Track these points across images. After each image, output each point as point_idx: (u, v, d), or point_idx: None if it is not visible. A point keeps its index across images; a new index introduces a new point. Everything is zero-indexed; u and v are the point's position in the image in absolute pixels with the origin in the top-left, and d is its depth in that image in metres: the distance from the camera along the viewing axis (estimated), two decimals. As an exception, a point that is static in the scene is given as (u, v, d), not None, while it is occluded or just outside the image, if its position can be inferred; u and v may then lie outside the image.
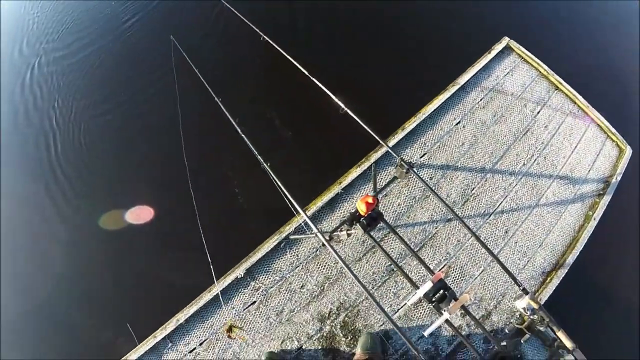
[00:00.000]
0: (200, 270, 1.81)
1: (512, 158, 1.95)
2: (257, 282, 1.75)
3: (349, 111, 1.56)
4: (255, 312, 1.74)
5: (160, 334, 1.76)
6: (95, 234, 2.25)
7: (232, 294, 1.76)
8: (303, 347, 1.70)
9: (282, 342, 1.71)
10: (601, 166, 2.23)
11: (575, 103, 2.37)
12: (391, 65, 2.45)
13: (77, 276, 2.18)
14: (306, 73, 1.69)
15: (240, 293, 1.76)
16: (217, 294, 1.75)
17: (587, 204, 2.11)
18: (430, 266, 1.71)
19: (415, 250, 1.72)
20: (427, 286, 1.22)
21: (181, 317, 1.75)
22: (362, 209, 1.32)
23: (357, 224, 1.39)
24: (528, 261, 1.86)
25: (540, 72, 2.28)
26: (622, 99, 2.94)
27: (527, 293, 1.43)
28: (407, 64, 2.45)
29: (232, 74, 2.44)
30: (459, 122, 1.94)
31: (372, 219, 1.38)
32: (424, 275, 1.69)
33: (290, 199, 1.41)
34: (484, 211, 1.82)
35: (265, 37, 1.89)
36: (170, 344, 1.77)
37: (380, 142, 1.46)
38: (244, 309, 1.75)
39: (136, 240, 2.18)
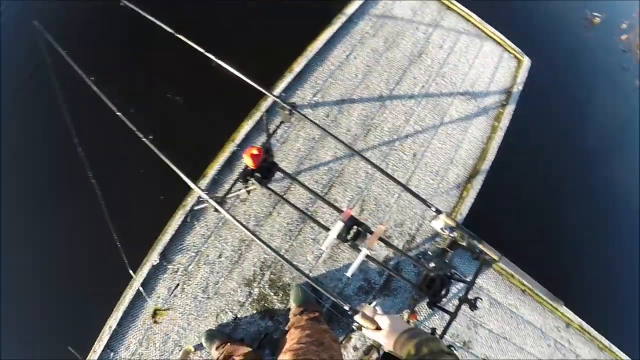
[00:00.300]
0: (116, 269, 1.68)
1: (409, 82, 1.95)
2: (174, 263, 1.65)
3: (222, 63, 1.44)
4: (181, 295, 1.64)
5: (98, 346, 1.63)
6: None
7: (154, 283, 1.65)
8: (238, 316, 1.64)
9: (216, 317, 1.64)
10: (501, 78, 2.30)
11: (469, 21, 2.40)
12: (268, 5, 2.26)
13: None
14: (170, 31, 1.54)
15: (161, 279, 1.65)
16: (139, 288, 1.64)
17: (492, 116, 2.18)
18: (343, 204, 1.69)
19: (325, 191, 1.69)
20: (338, 227, 1.16)
21: (112, 322, 1.62)
22: (250, 162, 1.22)
23: (252, 179, 1.31)
24: (441, 180, 1.90)
25: (428, -6, 2.27)
26: (514, 13, 3.06)
27: (440, 213, 1.45)
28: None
29: (100, 50, 2.19)
30: (349, 54, 1.89)
31: (266, 171, 1.30)
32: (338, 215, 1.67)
33: (178, 171, 1.29)
34: (389, 139, 1.81)
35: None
36: (112, 354, 1.65)
37: (258, 88, 1.36)
38: (170, 295, 1.65)
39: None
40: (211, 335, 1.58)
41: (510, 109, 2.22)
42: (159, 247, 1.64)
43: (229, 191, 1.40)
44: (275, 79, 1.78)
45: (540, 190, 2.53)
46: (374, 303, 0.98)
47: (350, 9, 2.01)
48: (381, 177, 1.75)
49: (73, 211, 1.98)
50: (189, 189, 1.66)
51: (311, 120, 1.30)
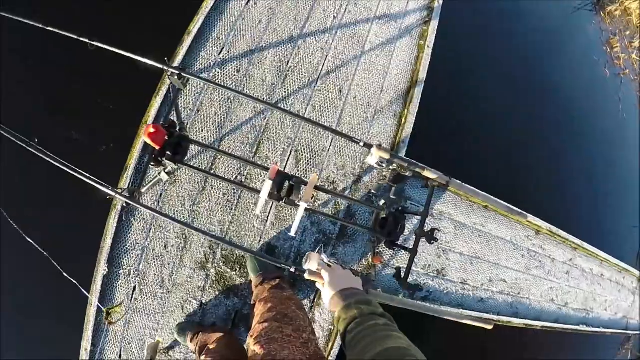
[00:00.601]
0: (73, 291, 1.56)
1: (319, 16, 1.81)
2: (124, 267, 1.54)
3: (96, 44, 1.26)
4: (141, 296, 1.56)
5: None
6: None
7: (111, 293, 1.55)
8: (203, 301, 1.58)
9: (182, 309, 1.58)
10: (419, -7, 2.19)
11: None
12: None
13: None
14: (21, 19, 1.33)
15: (117, 287, 1.56)
16: (96, 305, 1.53)
17: (416, 35, 2.08)
18: (276, 159, 1.60)
19: (253, 150, 1.58)
20: (267, 187, 1.07)
21: (86, 344, 1.54)
22: (151, 143, 1.09)
23: (165, 160, 1.18)
24: (375, 111, 1.82)
25: None
26: None
27: (369, 147, 1.37)
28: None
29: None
30: (248, 2, 1.72)
31: (176, 147, 1.17)
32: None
33: (87, 179, 1.14)
34: (308, 80, 1.70)
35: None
36: None
37: (144, 61, 1.20)
38: (131, 300, 1.56)
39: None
40: (182, 329, 1.53)
41: (434, 25, 2.13)
42: (104, 255, 1.52)
43: (141, 181, 1.27)
44: (175, 46, 1.60)
45: (479, 104, 2.52)
46: (318, 250, 0.93)
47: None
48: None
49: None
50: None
51: (203, 79, 1.18)
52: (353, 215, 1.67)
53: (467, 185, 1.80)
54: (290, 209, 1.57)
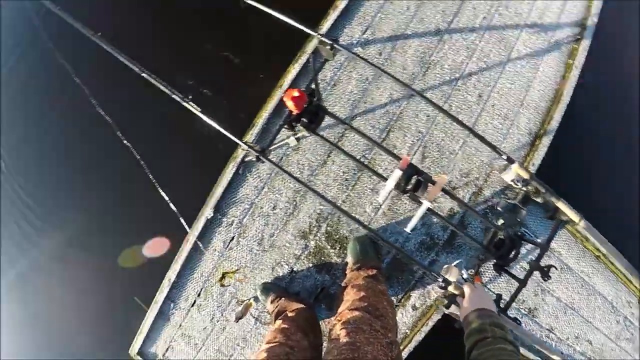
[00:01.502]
0: (172, 225, 1.69)
1: (469, 12, 1.71)
2: (228, 216, 1.61)
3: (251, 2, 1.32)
4: (237, 248, 1.62)
5: (159, 297, 1.68)
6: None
7: (209, 237, 1.64)
8: (294, 269, 1.60)
9: (272, 270, 1.61)
10: (573, 9, 1.99)
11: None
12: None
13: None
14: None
15: (217, 233, 1.63)
16: (195, 241, 1.63)
17: (565, 52, 1.89)
18: (403, 151, 1.55)
19: (382, 136, 1.55)
20: (395, 176, 1.04)
21: (171, 275, 1.65)
22: (292, 106, 1.10)
23: (298, 125, 1.19)
24: (511, 124, 1.69)
25: None
26: None
27: (512, 162, 1.27)
28: None
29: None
30: (398, -15, 1.68)
31: (312, 115, 1.17)
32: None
33: (220, 128, 1.21)
34: (450, 77, 1.62)
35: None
36: (172, 304, 1.70)
37: (299, 26, 1.23)
38: (226, 248, 1.63)
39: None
40: (267, 289, 1.56)
41: (585, 44, 1.91)
42: (213, 200, 1.60)
43: (272, 141, 1.30)
44: (320, 17, 1.62)
45: (627, 140, 2.20)
46: (455, 263, 0.98)
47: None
48: (444, 120, 1.58)
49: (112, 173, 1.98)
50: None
51: (355, 54, 1.16)
52: (465, 227, 1.57)
53: (593, 228, 1.61)
54: (407, 204, 1.52)
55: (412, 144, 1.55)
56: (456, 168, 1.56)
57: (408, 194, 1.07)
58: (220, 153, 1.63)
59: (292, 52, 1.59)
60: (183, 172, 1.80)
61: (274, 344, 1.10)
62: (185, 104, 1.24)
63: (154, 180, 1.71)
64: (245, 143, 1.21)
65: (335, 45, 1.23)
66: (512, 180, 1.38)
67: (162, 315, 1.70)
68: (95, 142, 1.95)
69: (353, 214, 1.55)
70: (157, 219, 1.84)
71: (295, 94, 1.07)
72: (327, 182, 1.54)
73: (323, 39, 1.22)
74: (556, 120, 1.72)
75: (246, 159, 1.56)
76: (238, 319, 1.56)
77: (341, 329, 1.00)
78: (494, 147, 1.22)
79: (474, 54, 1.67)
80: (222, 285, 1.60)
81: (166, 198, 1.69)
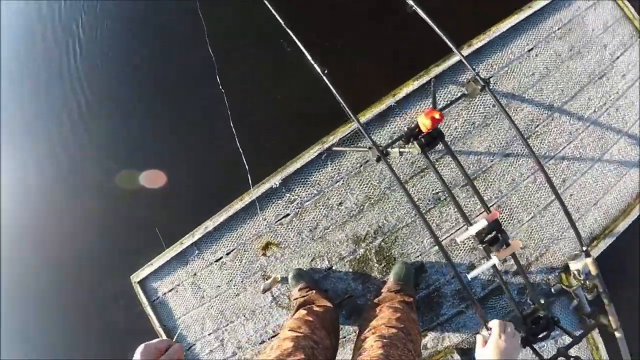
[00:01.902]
0: (235, 176, 1.70)
1: (583, 101, 1.75)
2: (293, 194, 1.64)
3: (418, 10, 1.34)
4: (287, 226, 1.65)
5: (187, 240, 1.70)
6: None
7: (265, 204, 1.66)
8: (333, 267, 1.63)
9: (312, 260, 1.64)
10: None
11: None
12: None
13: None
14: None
15: (274, 204, 1.66)
16: (252, 201, 1.64)
17: (650, 170, 1.94)
18: (476, 201, 1.58)
19: (466, 183, 1.58)
20: (481, 224, 1.06)
21: (210, 224, 1.67)
22: (426, 124, 1.12)
23: (415, 142, 1.23)
24: (579, 218, 1.73)
25: (625, 13, 2.00)
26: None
27: (589, 255, 1.31)
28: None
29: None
30: (531, 49, 1.71)
31: (432, 138, 1.20)
32: (472, 210, 1.57)
33: (345, 106, 1.23)
34: (545, 153, 1.66)
35: None
36: (196, 252, 1.72)
37: (455, 50, 1.25)
38: (276, 222, 1.66)
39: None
40: (300, 275, 1.59)
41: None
42: (284, 173, 1.63)
43: (390, 144, 1.33)
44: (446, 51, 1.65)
45: None
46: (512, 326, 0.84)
47: (540, 2, 1.81)
48: (525, 189, 1.62)
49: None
50: (333, 127, 1.63)
51: (502, 107, 1.18)
52: (502, 293, 1.61)
53: (624, 342, 1.65)
54: (460, 251, 1.56)
55: (489, 198, 1.59)
56: (517, 236, 1.60)
57: (483, 246, 1.10)
58: (310, 134, 1.64)
59: (417, 67, 1.62)
60: (269, 135, 1.82)
61: (299, 334, 1.11)
62: (322, 74, 1.25)
63: (234, 131, 1.73)
64: (373, 142, 1.22)
65: (487, 89, 1.25)
66: (577, 270, 1.43)
67: (181, 258, 1.73)
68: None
69: (410, 239, 1.59)
70: (224, 165, 1.86)
71: (437, 116, 1.10)
72: (399, 201, 1.57)
73: (478, 77, 1.24)
74: (618, 231, 1.77)
75: (334, 148, 1.58)
76: (265, 290, 1.59)
77: (376, 341, 1.03)
78: (579, 236, 1.25)
79: (573, 142, 1.71)
80: (264, 255, 1.63)
81: (240, 150, 1.70)
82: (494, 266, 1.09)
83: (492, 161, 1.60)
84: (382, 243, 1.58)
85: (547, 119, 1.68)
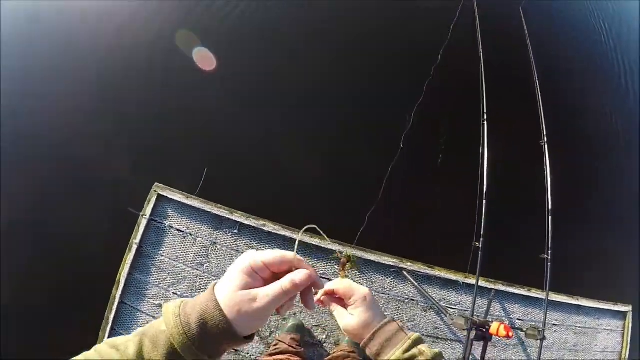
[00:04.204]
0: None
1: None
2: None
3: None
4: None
5: (229, 214, 1.73)
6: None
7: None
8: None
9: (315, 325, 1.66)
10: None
11: None
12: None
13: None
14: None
15: None
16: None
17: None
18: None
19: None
20: None
21: (267, 225, 1.67)
22: (500, 332, 1.36)
23: (469, 323, 1.42)
24: None
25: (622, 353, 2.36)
26: None
27: None
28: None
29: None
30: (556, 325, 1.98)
31: (482, 336, 1.43)
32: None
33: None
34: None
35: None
36: (235, 231, 1.73)
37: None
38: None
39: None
40: (300, 329, 1.63)
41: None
42: None
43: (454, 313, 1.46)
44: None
45: None
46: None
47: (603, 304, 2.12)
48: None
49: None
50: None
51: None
52: None
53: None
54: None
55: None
56: None
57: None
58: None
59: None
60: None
61: None
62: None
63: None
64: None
65: (539, 339, 1.44)
66: None
67: (215, 221, 1.73)
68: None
69: None
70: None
71: (510, 334, 1.34)
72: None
73: (539, 331, 1.43)
74: None
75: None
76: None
77: None
78: None
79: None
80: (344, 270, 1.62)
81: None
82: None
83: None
84: None
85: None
